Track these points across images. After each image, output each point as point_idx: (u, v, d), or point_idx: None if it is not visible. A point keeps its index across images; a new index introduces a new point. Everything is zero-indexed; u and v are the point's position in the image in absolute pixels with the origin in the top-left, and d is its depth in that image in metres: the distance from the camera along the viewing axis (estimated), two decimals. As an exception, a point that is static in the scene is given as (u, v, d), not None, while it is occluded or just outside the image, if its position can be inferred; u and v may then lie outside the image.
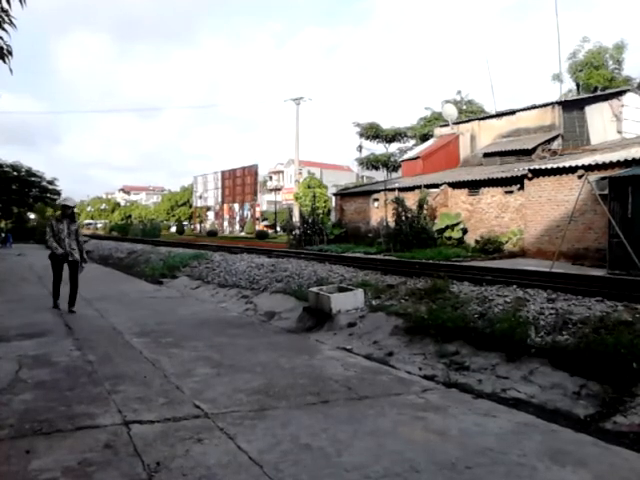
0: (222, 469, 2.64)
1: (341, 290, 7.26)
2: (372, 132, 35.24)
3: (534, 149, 19.97)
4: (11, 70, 5.12)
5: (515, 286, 6.88)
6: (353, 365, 4.86)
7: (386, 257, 14.92)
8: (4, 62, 5.02)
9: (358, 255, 16.00)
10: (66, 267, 7.73)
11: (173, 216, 69.78)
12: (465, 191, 18.92)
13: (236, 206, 51.75)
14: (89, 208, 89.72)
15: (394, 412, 3.57)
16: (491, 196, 17.88)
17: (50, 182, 41.68)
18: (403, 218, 18.29)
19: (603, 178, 12.18)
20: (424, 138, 31.86)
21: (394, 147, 36.70)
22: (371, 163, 36.45)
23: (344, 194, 26.33)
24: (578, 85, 30.84)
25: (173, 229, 59.89)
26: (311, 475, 2.62)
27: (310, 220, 22.95)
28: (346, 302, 6.83)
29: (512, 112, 23.04)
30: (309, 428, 3.22)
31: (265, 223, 53.37)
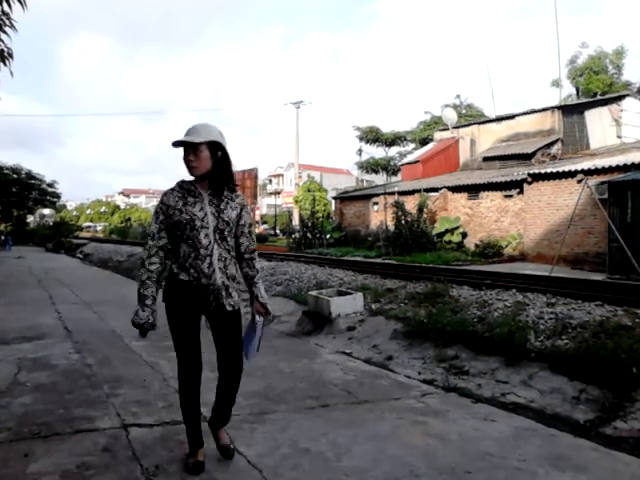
0: (221, 473, 2.64)
1: (341, 294, 7.25)
2: (372, 136, 35.34)
3: (534, 153, 19.99)
4: (12, 73, 5.12)
5: (514, 290, 6.88)
6: (353, 369, 4.85)
7: (385, 261, 14.91)
8: (5, 65, 5.02)
9: (357, 259, 16.00)
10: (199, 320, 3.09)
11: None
12: (465, 195, 18.94)
13: (236, 209, 51.56)
14: (89, 211, 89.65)
15: (394, 416, 3.56)
16: (491, 200, 17.89)
17: (50, 185, 41.79)
18: (403, 222, 18.29)
19: (602, 182, 12.19)
20: (424, 142, 31.91)
21: (394, 151, 36.83)
22: (371, 167, 36.53)
23: (344, 198, 26.34)
24: (578, 90, 30.92)
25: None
26: (310, 479, 2.61)
27: (310, 224, 22.94)
28: (346, 306, 6.82)
29: (512, 116, 23.07)
30: (308, 432, 3.21)
31: (265, 227, 53.37)
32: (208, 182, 2.53)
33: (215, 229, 2.49)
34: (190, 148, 2.45)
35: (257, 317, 2.72)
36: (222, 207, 2.52)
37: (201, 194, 2.52)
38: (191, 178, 2.56)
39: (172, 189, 2.54)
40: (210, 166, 2.48)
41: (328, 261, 13.37)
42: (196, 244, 2.47)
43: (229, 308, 2.56)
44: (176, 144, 2.45)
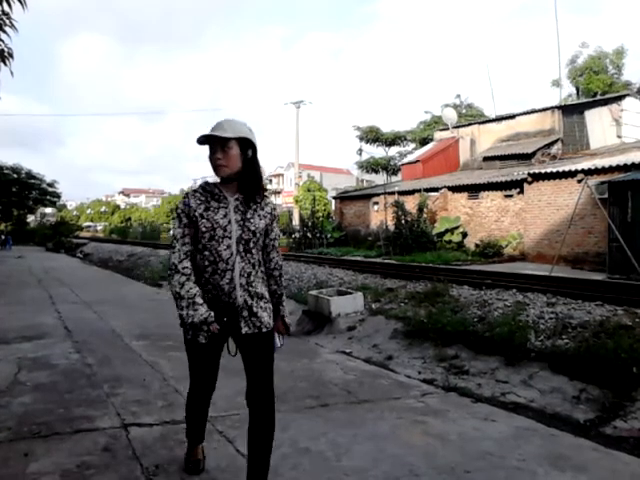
0: (221, 472, 2.64)
1: (341, 293, 7.25)
2: (372, 135, 35.30)
3: (534, 153, 19.99)
4: (12, 73, 5.12)
5: (515, 290, 6.88)
6: (352, 369, 4.85)
7: (386, 261, 14.92)
8: (5, 65, 5.02)
9: (358, 258, 16.00)
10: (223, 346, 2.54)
11: (173, 219, 69.72)
12: (465, 195, 18.93)
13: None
14: (89, 211, 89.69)
15: (393, 416, 3.56)
16: (491, 200, 17.89)
17: (50, 184, 41.79)
18: (403, 222, 18.29)
19: (603, 182, 12.19)
20: (424, 142, 31.89)
21: (394, 151, 36.78)
22: (371, 166, 36.49)
23: (344, 197, 26.33)
24: (578, 90, 30.91)
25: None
26: (310, 479, 2.61)
27: (310, 223, 22.95)
28: (346, 305, 6.82)
29: (512, 116, 23.07)
30: (308, 432, 3.21)
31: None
32: (236, 185, 2.23)
33: (239, 239, 2.17)
34: (217, 144, 2.17)
35: (277, 336, 2.44)
36: (249, 215, 2.22)
37: (226, 198, 2.22)
38: (216, 179, 2.27)
39: (194, 190, 2.28)
40: (239, 166, 2.20)
41: (328, 261, 13.38)
42: (214, 256, 2.15)
43: (249, 330, 2.21)
44: (201, 140, 2.19)
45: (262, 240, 2.29)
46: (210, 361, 2.33)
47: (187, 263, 2.18)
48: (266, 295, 2.30)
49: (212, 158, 2.19)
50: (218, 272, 2.15)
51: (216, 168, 2.19)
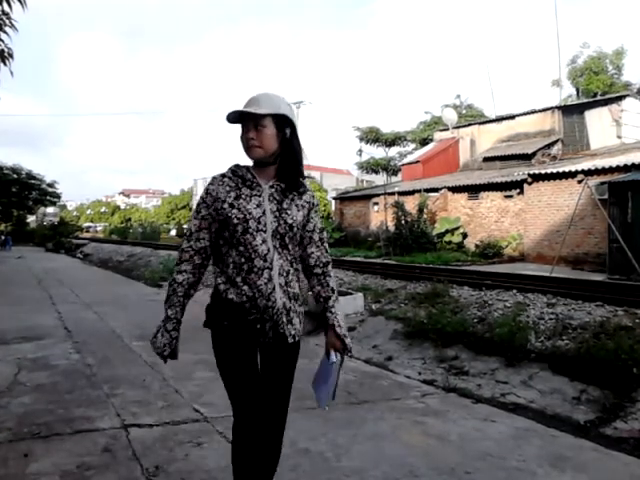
0: (221, 473, 2.63)
1: (341, 294, 7.25)
2: (372, 136, 35.28)
3: (534, 154, 20.00)
4: (12, 73, 5.12)
5: (515, 291, 6.88)
6: (353, 369, 4.85)
7: (386, 261, 14.91)
8: (5, 65, 5.02)
9: (358, 259, 16.00)
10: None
11: (173, 219, 69.76)
12: (465, 195, 18.94)
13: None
14: (89, 211, 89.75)
15: (393, 417, 3.56)
16: (491, 200, 17.89)
17: (50, 185, 41.76)
18: (403, 222, 18.30)
19: (603, 183, 12.20)
20: (424, 142, 31.90)
21: (394, 151, 36.76)
22: (371, 167, 36.48)
23: (344, 198, 26.33)
24: (578, 90, 30.92)
25: (173, 232, 59.87)
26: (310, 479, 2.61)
27: (310, 224, 22.91)
28: (346, 306, 6.82)
29: (512, 117, 23.08)
30: (308, 432, 3.20)
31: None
32: (272, 170, 1.93)
33: (274, 233, 1.87)
34: (251, 122, 1.86)
35: (332, 354, 2.04)
36: (285, 205, 1.91)
37: (260, 185, 1.90)
38: (248, 162, 1.96)
39: (222, 175, 1.94)
40: (276, 147, 1.90)
41: (328, 261, 13.35)
42: (250, 252, 1.84)
43: (291, 339, 1.95)
44: (232, 118, 1.89)
45: (300, 234, 1.98)
46: (248, 378, 1.91)
47: (187, 265, 1.93)
48: (300, 297, 2.03)
49: (244, 138, 1.90)
50: (255, 270, 1.85)
51: (248, 149, 1.89)
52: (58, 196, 44.40)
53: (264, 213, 1.87)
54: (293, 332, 1.94)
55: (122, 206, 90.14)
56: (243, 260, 1.85)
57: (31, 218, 52.60)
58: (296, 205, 1.94)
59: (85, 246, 29.25)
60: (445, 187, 19.64)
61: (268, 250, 1.85)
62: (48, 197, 42.14)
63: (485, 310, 6.04)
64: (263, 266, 1.85)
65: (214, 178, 1.94)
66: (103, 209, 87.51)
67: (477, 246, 16.91)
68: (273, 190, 1.91)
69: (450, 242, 18.14)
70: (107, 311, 7.97)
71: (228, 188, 1.89)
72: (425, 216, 18.54)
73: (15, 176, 38.39)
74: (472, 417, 3.60)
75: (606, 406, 3.73)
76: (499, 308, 6.03)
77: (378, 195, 22.81)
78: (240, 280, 1.85)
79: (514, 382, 4.36)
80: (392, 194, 21.34)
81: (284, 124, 1.91)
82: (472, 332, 5.29)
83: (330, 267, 2.08)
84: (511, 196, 17.05)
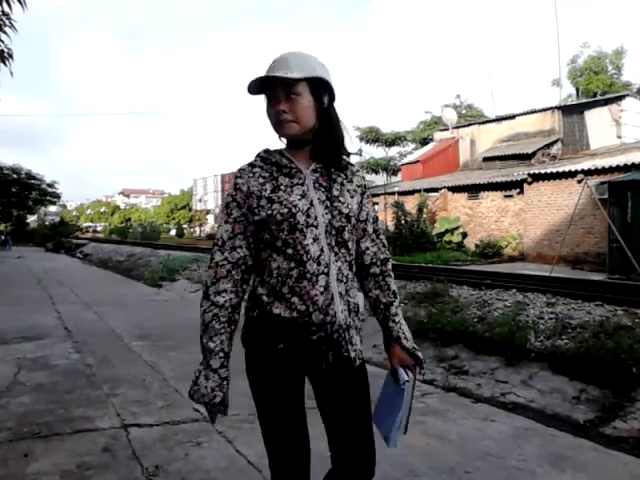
0: (221, 473, 2.64)
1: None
2: (372, 136, 35.26)
3: (534, 153, 20.01)
4: (12, 73, 5.13)
5: (514, 290, 6.87)
6: (352, 369, 4.85)
7: (386, 261, 14.88)
8: (5, 65, 5.03)
9: (358, 259, 15.98)
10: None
11: (173, 219, 69.82)
12: (465, 195, 18.95)
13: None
14: (89, 211, 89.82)
15: (393, 416, 3.56)
16: (491, 200, 17.90)
17: (50, 185, 41.82)
18: (403, 222, 18.31)
19: (603, 183, 12.21)
20: (424, 142, 31.92)
21: (394, 151, 36.75)
22: (371, 167, 36.45)
23: (344, 198, 26.30)
24: (578, 90, 30.94)
25: (173, 232, 59.90)
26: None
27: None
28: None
29: (512, 117, 23.09)
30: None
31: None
32: (310, 150, 1.51)
33: (328, 228, 1.46)
34: (280, 90, 1.44)
35: (402, 372, 1.58)
36: (336, 192, 1.50)
37: (300, 171, 1.49)
38: (279, 146, 1.55)
39: (251, 164, 1.52)
40: (314, 121, 1.49)
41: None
42: (300, 254, 1.43)
43: (358, 362, 1.55)
44: (254, 87, 1.47)
45: (357, 226, 1.59)
46: (293, 415, 1.62)
47: (227, 284, 1.48)
48: (359, 309, 1.61)
49: (272, 112, 1.47)
50: (307, 277, 1.43)
51: (279, 125, 1.47)
52: (58, 196, 44.45)
53: (312, 204, 1.46)
54: (354, 354, 1.53)
55: (122, 206, 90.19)
56: (293, 265, 1.44)
57: (32, 218, 52.63)
58: (348, 190, 1.54)
59: (85, 246, 29.25)
60: (445, 187, 19.65)
61: (322, 250, 1.45)
62: (48, 197, 42.21)
63: (485, 310, 6.04)
64: (317, 271, 1.44)
65: (241, 170, 1.52)
66: (103, 209, 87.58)
67: (477, 246, 16.92)
68: (317, 175, 1.50)
69: (450, 242, 18.14)
70: (107, 311, 7.97)
71: (262, 180, 1.48)
72: (425, 216, 18.54)
73: (15, 176, 38.44)
74: (472, 416, 3.60)
75: (605, 405, 3.73)
76: (499, 308, 6.03)
77: (378, 195, 22.81)
78: (287, 290, 1.44)
79: (514, 382, 4.37)
80: (392, 194, 21.35)
81: (321, 90, 1.49)
82: (472, 332, 5.29)
83: (390, 265, 1.72)
84: (511, 196, 17.05)
